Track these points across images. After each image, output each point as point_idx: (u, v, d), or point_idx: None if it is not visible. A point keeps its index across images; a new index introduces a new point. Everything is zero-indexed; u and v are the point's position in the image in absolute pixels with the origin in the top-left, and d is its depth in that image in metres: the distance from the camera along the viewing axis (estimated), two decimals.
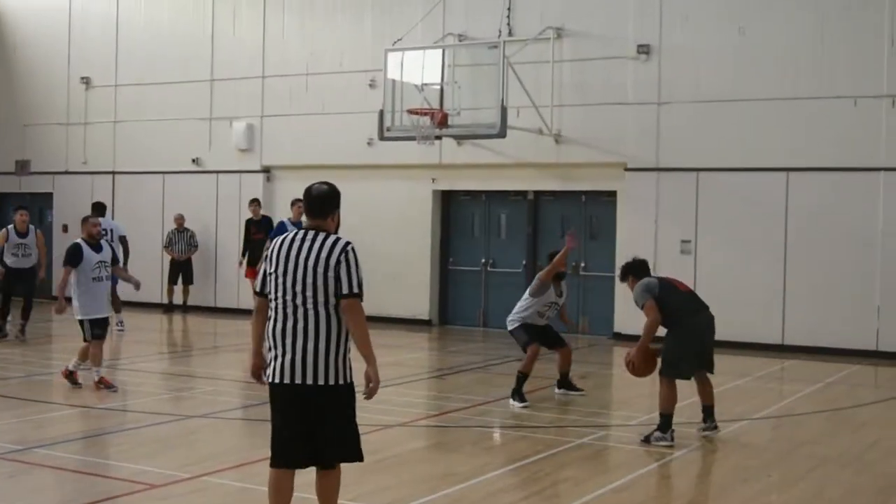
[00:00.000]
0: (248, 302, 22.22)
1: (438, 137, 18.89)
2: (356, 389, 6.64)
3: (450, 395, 13.51)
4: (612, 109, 19.26)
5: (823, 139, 17.77)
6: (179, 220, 23.04)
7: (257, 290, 6.72)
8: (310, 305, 6.42)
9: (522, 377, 12.44)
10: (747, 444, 10.54)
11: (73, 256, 12.64)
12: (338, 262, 6.44)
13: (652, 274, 10.93)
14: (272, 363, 6.52)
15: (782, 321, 17.92)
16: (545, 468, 9.15)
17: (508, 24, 19.92)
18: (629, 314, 18.94)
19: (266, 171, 22.79)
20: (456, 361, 16.71)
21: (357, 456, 6.69)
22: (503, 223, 21.16)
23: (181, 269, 23.06)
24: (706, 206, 18.52)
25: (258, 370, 6.79)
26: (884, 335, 17.39)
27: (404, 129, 18.80)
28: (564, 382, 13.19)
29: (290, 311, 6.46)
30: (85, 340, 12.72)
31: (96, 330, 12.71)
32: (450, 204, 21.57)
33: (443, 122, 18.48)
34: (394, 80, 19.01)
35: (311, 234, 6.58)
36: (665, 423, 10.26)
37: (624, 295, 19.01)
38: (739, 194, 18.28)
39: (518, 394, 12.33)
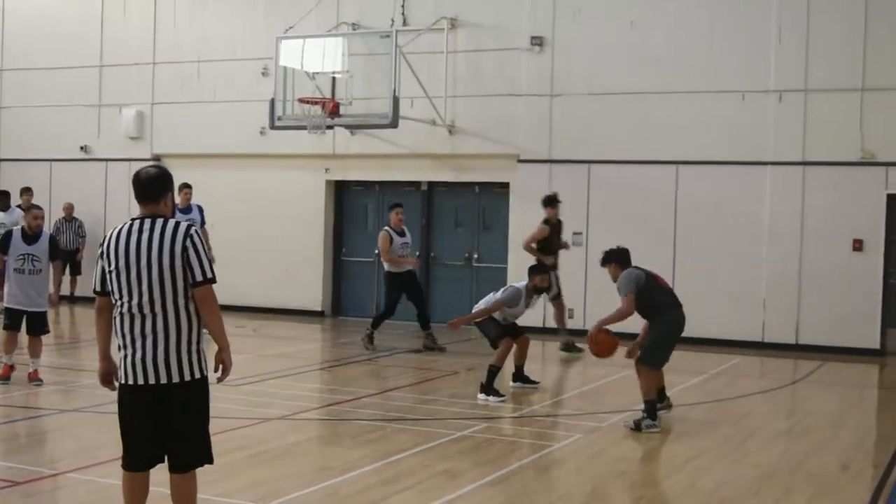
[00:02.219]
0: None
1: (330, 127, 18.74)
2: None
3: (335, 388, 13.39)
4: (506, 101, 19.27)
5: (712, 133, 17.98)
6: (68, 209, 22.51)
7: (97, 289, 6.28)
8: (157, 300, 6.04)
9: (495, 370, 12.34)
10: (627, 435, 10.56)
11: (2, 243, 12.55)
12: (184, 248, 6.05)
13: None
14: (121, 362, 6.17)
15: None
16: (423, 461, 9.07)
17: (403, 13, 19.82)
18: None
19: (157, 159, 22.32)
20: (345, 353, 16.59)
21: (206, 459, 6.38)
22: None
23: (69, 260, 22.53)
24: (597, 198, 18.62)
25: (108, 375, 6.42)
26: (769, 327, 17.67)
27: (295, 118, 18.59)
28: (520, 376, 13.15)
29: (137, 309, 6.06)
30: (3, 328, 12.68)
31: (7, 320, 12.57)
32: (343, 194, 21.40)
33: (334, 111, 18.33)
34: (285, 69, 18.80)
35: (147, 222, 6.13)
36: (651, 410, 10.64)
37: None
38: (630, 187, 18.41)
39: (490, 388, 12.20)
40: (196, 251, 6.09)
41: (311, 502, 7.81)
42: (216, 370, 6.31)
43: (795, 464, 9.55)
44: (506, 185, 19.64)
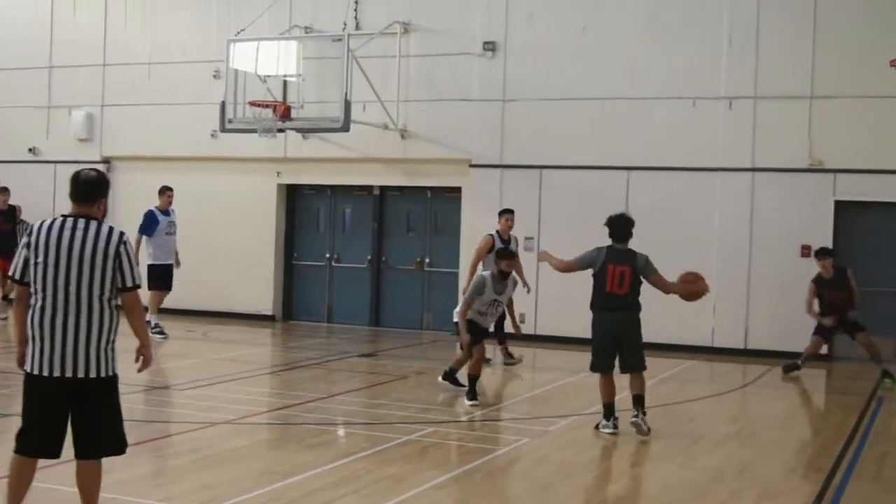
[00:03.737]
0: None
1: (281, 130, 18.65)
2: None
3: (283, 392, 13.31)
4: (458, 106, 19.26)
5: (663, 139, 18.06)
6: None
7: (17, 277, 6.44)
8: (83, 298, 6.30)
9: (475, 378, 12.29)
10: (575, 439, 10.57)
11: None
12: (117, 253, 6.33)
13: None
14: (33, 353, 6.37)
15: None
16: (367, 465, 9.01)
17: (356, 17, 19.76)
18: None
19: (106, 161, 22.11)
20: (293, 357, 16.50)
21: (119, 449, 6.63)
22: (348, 218, 20.98)
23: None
24: (549, 203, 18.65)
25: (24, 359, 6.57)
26: (719, 331, 17.77)
27: (246, 121, 18.49)
28: (453, 377, 13.08)
29: (59, 303, 6.30)
30: None
31: None
32: (294, 198, 21.29)
33: (286, 114, 18.24)
34: (237, 72, 18.65)
35: (81, 221, 6.38)
36: (605, 412, 10.81)
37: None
38: (581, 192, 18.45)
39: (474, 392, 12.24)
40: (128, 257, 6.39)
41: None
42: (137, 361, 6.71)
43: (741, 467, 9.60)
44: (458, 190, 19.63)
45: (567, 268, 11.38)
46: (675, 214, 17.94)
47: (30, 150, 22.62)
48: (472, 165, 19.25)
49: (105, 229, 6.34)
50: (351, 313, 20.66)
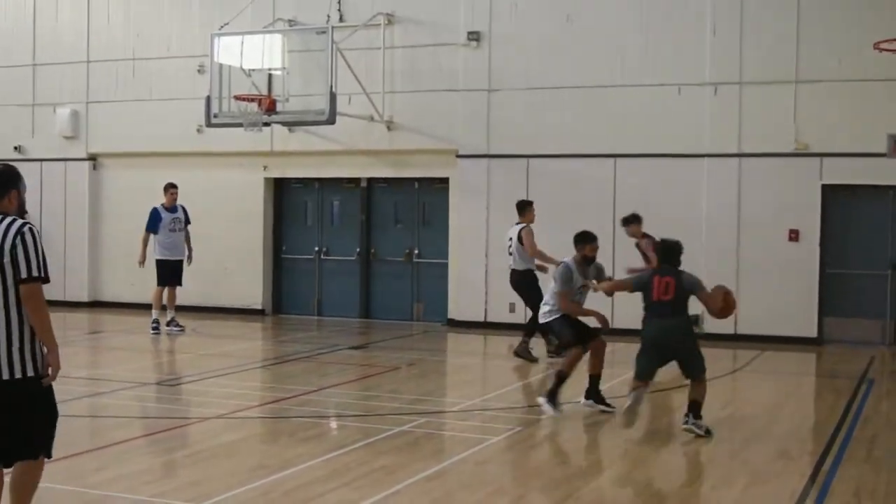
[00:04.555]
0: (75, 294, 21.65)
1: (267, 124, 18.59)
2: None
3: (274, 386, 13.30)
4: (444, 96, 19.25)
5: (649, 126, 18.07)
6: None
7: None
8: None
9: (563, 377, 11.07)
10: (567, 427, 10.59)
11: None
12: (13, 245, 6.07)
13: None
14: None
15: (612, 306, 18.12)
16: (359, 458, 9.01)
17: (339, 9, 19.72)
18: (462, 301, 19.10)
19: (93, 158, 22.08)
20: (284, 351, 16.50)
21: (44, 452, 6.36)
22: (336, 211, 20.96)
23: None
24: (536, 192, 18.58)
25: None
26: (708, 317, 17.72)
27: (232, 115, 18.46)
28: (594, 392, 11.44)
29: None
30: None
31: None
32: (282, 192, 21.28)
33: (271, 108, 18.23)
34: (221, 66, 18.62)
35: None
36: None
37: (457, 281, 19.13)
38: (569, 180, 18.46)
39: (553, 397, 10.99)
40: (25, 248, 6.10)
41: (247, 501, 7.73)
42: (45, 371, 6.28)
43: (732, 452, 9.62)
44: (445, 181, 19.62)
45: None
46: (663, 201, 17.91)
47: (15, 148, 22.53)
48: (458, 156, 19.24)
49: (6, 222, 6.11)
50: (341, 306, 20.65)
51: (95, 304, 21.94)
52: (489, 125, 18.99)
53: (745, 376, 14.63)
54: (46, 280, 6.15)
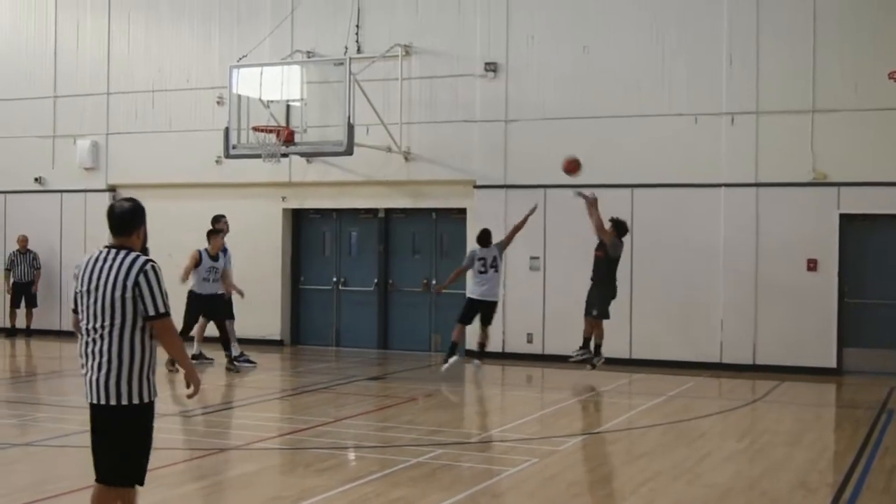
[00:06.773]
0: None
1: (285, 155, 18.68)
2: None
3: (292, 417, 13.31)
4: (461, 127, 19.33)
5: (666, 156, 18.09)
6: (22, 241, 22.33)
7: (73, 306, 6.75)
8: (107, 326, 6.41)
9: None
10: (584, 458, 10.57)
11: None
12: (136, 283, 6.38)
13: None
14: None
15: (630, 335, 18.13)
16: (377, 489, 9.01)
17: (357, 41, 19.84)
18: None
19: (112, 189, 22.22)
20: (302, 382, 16.51)
21: (133, 480, 6.60)
22: (354, 241, 21.02)
23: (24, 292, 22.36)
24: (554, 222, 18.66)
25: None
26: (727, 347, 17.74)
27: (250, 146, 18.56)
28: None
29: (91, 331, 6.46)
30: None
31: None
32: (300, 222, 21.36)
33: (289, 139, 18.31)
34: (240, 97, 18.75)
35: (112, 252, 6.52)
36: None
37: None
38: (586, 211, 18.40)
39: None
40: (149, 286, 6.41)
41: None
42: (188, 387, 6.72)
43: (750, 483, 9.58)
44: (463, 211, 19.66)
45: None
46: (680, 231, 17.95)
47: (36, 179, 22.74)
48: (476, 186, 19.29)
49: (129, 259, 6.42)
50: (359, 336, 20.67)
51: None
52: (506, 155, 19.05)
53: (763, 407, 14.55)
54: (168, 314, 6.47)
